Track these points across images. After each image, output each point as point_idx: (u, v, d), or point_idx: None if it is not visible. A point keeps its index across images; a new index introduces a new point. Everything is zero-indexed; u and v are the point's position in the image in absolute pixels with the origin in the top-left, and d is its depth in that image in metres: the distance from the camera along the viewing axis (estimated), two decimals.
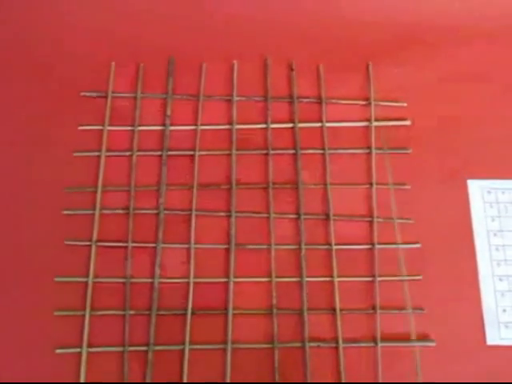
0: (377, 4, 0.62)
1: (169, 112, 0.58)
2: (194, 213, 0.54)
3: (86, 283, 0.52)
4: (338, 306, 0.52)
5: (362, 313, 0.52)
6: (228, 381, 0.49)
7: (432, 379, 0.50)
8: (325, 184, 0.55)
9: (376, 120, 0.58)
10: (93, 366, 0.50)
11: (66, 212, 0.54)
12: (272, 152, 0.56)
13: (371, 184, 0.56)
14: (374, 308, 0.52)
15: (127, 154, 0.56)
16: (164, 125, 0.57)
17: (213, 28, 0.61)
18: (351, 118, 0.58)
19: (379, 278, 0.53)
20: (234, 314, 0.51)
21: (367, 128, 0.58)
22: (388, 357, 0.50)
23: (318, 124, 0.58)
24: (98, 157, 0.56)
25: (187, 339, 0.50)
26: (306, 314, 0.51)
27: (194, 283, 0.52)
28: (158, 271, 0.52)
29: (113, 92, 0.58)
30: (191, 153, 0.56)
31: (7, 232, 0.54)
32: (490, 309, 0.52)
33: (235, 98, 0.58)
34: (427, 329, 0.51)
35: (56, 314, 0.51)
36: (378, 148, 0.57)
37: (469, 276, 0.53)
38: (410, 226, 0.55)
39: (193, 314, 0.51)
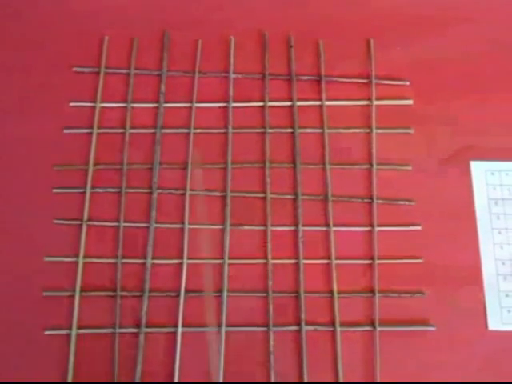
0: None
1: (163, 89, 0.56)
2: (188, 192, 0.53)
3: (76, 263, 0.50)
4: (335, 289, 0.50)
5: (360, 296, 0.50)
6: (222, 364, 0.48)
7: (432, 365, 0.49)
8: (323, 164, 0.54)
9: (377, 99, 0.56)
10: (82, 348, 0.49)
11: (55, 190, 0.53)
12: (269, 131, 0.55)
13: (371, 164, 0.54)
14: (372, 291, 0.50)
15: (120, 131, 0.54)
16: (158, 102, 0.55)
17: (209, 1, 0.59)
18: (351, 96, 0.56)
19: (378, 261, 0.51)
20: (228, 296, 0.50)
21: (368, 107, 0.56)
22: (386, 341, 0.49)
23: (318, 102, 0.56)
24: (90, 134, 0.54)
25: (180, 322, 0.49)
26: (302, 296, 0.50)
27: (188, 264, 0.51)
28: (150, 252, 0.51)
29: (106, 67, 0.56)
30: (186, 131, 0.55)
31: None
32: (492, 293, 0.51)
33: (232, 75, 0.56)
34: (427, 313, 0.50)
35: (45, 294, 0.50)
36: (378, 127, 0.55)
37: (471, 259, 0.52)
38: (411, 207, 0.53)
39: (186, 295, 0.50)
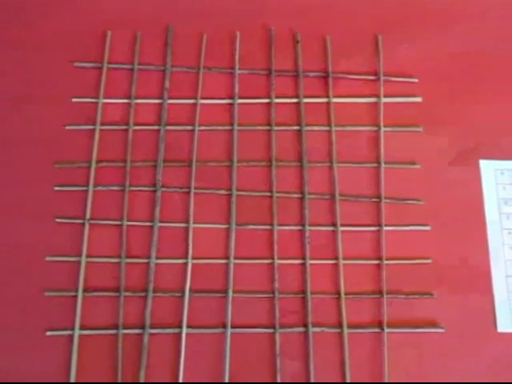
0: None
1: (167, 85, 0.55)
2: (192, 191, 0.52)
3: (79, 263, 0.49)
4: (342, 290, 0.49)
5: (367, 297, 0.50)
6: (227, 367, 0.47)
7: (440, 367, 0.48)
8: (330, 162, 0.53)
9: (385, 96, 0.55)
10: (85, 350, 0.48)
11: (57, 188, 0.52)
12: (275, 128, 0.54)
13: (379, 163, 0.53)
14: (380, 292, 0.50)
15: (123, 128, 0.53)
16: (162, 98, 0.54)
17: None
18: (359, 93, 0.55)
19: (386, 262, 0.50)
20: (233, 297, 0.49)
21: (376, 104, 0.55)
22: (395, 343, 0.48)
23: (325, 99, 0.55)
24: (92, 131, 0.53)
25: (184, 323, 0.48)
26: (309, 297, 0.49)
27: (193, 264, 0.50)
28: (154, 251, 0.50)
29: (108, 63, 0.55)
30: (190, 128, 0.54)
31: None
32: (502, 295, 0.50)
33: (237, 71, 0.55)
34: (436, 315, 0.49)
35: (47, 294, 0.49)
36: (387, 125, 0.54)
37: (480, 260, 0.51)
38: (420, 207, 0.52)
39: (190, 296, 0.49)
